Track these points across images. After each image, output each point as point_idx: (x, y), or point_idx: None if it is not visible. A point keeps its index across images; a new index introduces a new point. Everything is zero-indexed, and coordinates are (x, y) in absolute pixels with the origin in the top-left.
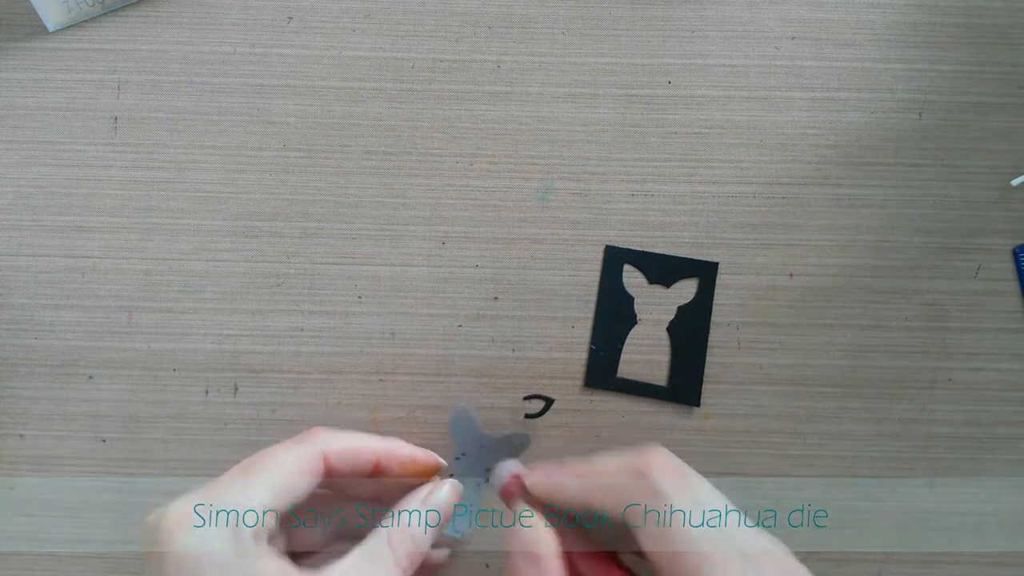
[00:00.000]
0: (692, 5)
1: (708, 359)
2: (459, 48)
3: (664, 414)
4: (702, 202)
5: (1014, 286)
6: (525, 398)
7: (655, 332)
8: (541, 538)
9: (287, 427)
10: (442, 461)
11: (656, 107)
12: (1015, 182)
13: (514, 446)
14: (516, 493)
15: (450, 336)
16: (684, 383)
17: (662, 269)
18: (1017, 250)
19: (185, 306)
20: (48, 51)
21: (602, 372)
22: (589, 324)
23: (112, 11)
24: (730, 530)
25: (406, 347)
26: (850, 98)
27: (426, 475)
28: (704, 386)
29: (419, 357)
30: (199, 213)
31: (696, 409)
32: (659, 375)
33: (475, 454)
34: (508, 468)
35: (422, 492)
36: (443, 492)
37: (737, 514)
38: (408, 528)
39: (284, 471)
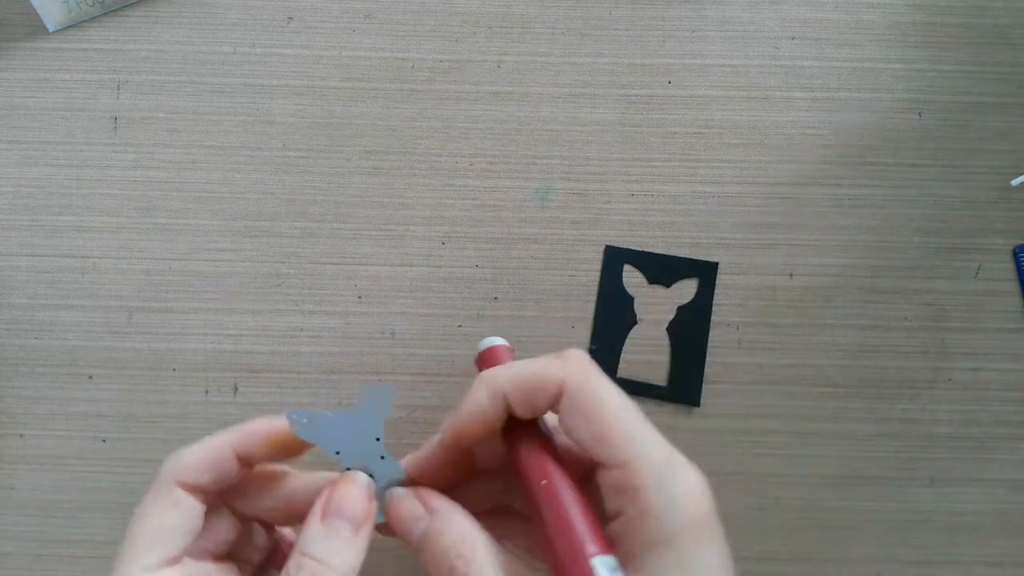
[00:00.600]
0: (692, 5)
1: (708, 359)
2: (459, 48)
3: (664, 414)
4: (702, 202)
5: (1014, 286)
6: None
7: (655, 332)
8: (416, 489)
9: None
10: (370, 482)
11: (656, 107)
12: (1015, 182)
13: (374, 405)
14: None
15: (450, 336)
16: (684, 383)
17: (662, 269)
18: (1017, 250)
19: (185, 306)
20: (48, 51)
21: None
22: (589, 324)
23: (112, 11)
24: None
25: (406, 347)
26: (850, 98)
27: (295, 442)
28: (704, 386)
29: (419, 357)
30: (199, 213)
31: (696, 409)
32: (659, 375)
33: (348, 440)
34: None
35: (319, 502)
36: (340, 493)
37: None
38: (308, 551)
39: (153, 526)
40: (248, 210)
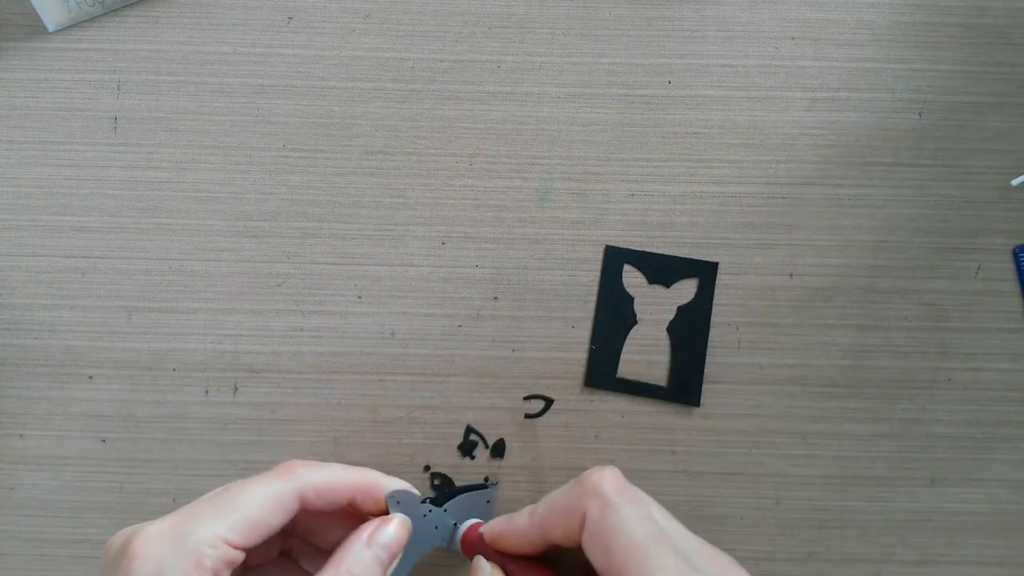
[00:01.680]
0: (692, 5)
1: (708, 359)
2: (459, 48)
3: (664, 414)
4: (702, 202)
5: (1014, 286)
6: (525, 398)
7: (655, 332)
8: (490, 569)
9: (287, 427)
10: (416, 492)
11: (656, 107)
12: (1015, 182)
13: (477, 500)
14: (475, 545)
15: (450, 336)
16: (684, 383)
17: (662, 269)
18: (1017, 250)
19: (185, 306)
20: (48, 51)
21: (602, 372)
22: (589, 324)
23: (112, 11)
24: (671, 532)
25: (406, 347)
26: (850, 98)
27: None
28: (704, 386)
29: (419, 357)
30: (199, 213)
31: (696, 409)
32: (659, 375)
33: (422, 524)
34: (468, 523)
35: (367, 530)
36: (390, 529)
37: (684, 529)
38: (353, 572)
39: (258, 507)
40: (248, 210)
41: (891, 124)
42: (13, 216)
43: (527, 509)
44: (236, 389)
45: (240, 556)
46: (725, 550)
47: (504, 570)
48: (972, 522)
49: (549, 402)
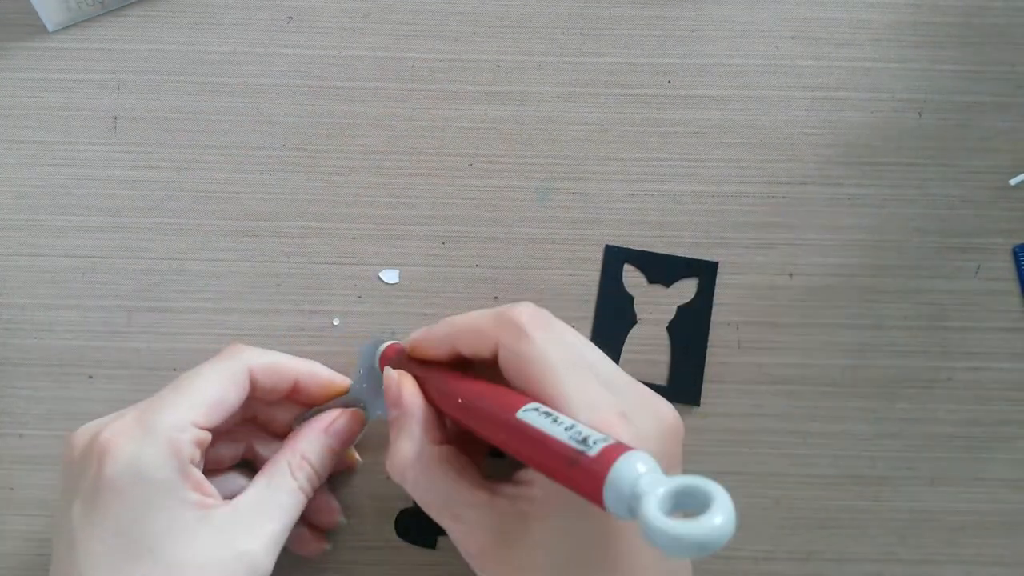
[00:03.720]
0: (692, 4)
1: (708, 359)
2: (459, 48)
3: None
4: (702, 202)
5: (1014, 286)
6: None
7: (655, 332)
8: (396, 381)
9: None
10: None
11: (656, 107)
12: (1013, 181)
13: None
14: (390, 359)
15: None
16: (684, 383)
17: (662, 269)
18: (1017, 250)
19: (185, 306)
20: (48, 51)
21: None
22: (589, 324)
23: (112, 11)
24: (589, 357)
25: None
26: (850, 98)
27: (334, 398)
28: (704, 386)
29: None
30: (199, 213)
31: (696, 409)
32: (659, 375)
33: (372, 379)
34: (387, 343)
35: (325, 419)
36: (348, 422)
37: (606, 357)
38: (308, 456)
39: (215, 387)
40: (248, 210)
41: (891, 124)
42: (13, 216)
43: (446, 320)
44: None
45: (207, 437)
46: (725, 550)
47: (418, 378)
48: (973, 522)
49: None
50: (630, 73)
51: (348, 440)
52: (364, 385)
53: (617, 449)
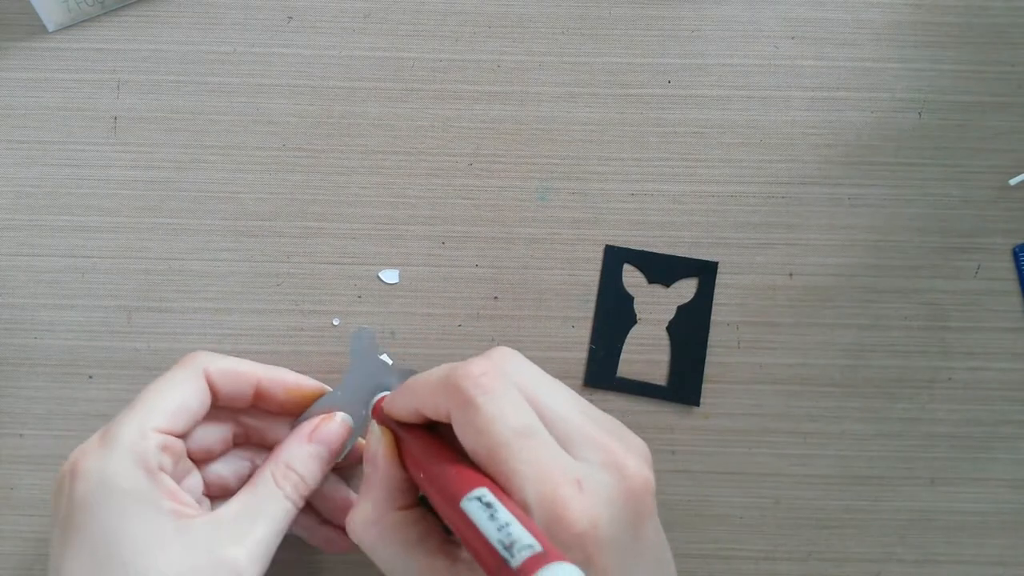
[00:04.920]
0: (692, 4)
1: (708, 359)
2: (458, 47)
3: (664, 414)
4: (702, 202)
5: (1014, 286)
6: None
7: (655, 332)
8: (376, 439)
9: None
10: (327, 388)
11: (656, 107)
12: (1014, 181)
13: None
14: (378, 414)
15: (450, 336)
16: (684, 383)
17: (662, 269)
18: (1017, 250)
19: (185, 306)
20: (48, 51)
21: (602, 371)
22: (589, 324)
23: (112, 11)
24: (558, 417)
25: (406, 347)
26: (850, 98)
27: (309, 403)
28: (704, 386)
29: (419, 357)
30: (199, 213)
31: (696, 409)
32: (659, 375)
33: (366, 380)
34: (380, 395)
35: (309, 426)
36: (332, 426)
37: (575, 405)
38: (293, 464)
39: (170, 393)
40: (248, 210)
41: (891, 124)
42: (13, 216)
43: (406, 385)
44: None
45: (177, 443)
46: (725, 550)
47: (397, 437)
48: (972, 521)
49: None
50: (630, 73)
51: (336, 446)
52: (341, 392)
53: (539, 561)
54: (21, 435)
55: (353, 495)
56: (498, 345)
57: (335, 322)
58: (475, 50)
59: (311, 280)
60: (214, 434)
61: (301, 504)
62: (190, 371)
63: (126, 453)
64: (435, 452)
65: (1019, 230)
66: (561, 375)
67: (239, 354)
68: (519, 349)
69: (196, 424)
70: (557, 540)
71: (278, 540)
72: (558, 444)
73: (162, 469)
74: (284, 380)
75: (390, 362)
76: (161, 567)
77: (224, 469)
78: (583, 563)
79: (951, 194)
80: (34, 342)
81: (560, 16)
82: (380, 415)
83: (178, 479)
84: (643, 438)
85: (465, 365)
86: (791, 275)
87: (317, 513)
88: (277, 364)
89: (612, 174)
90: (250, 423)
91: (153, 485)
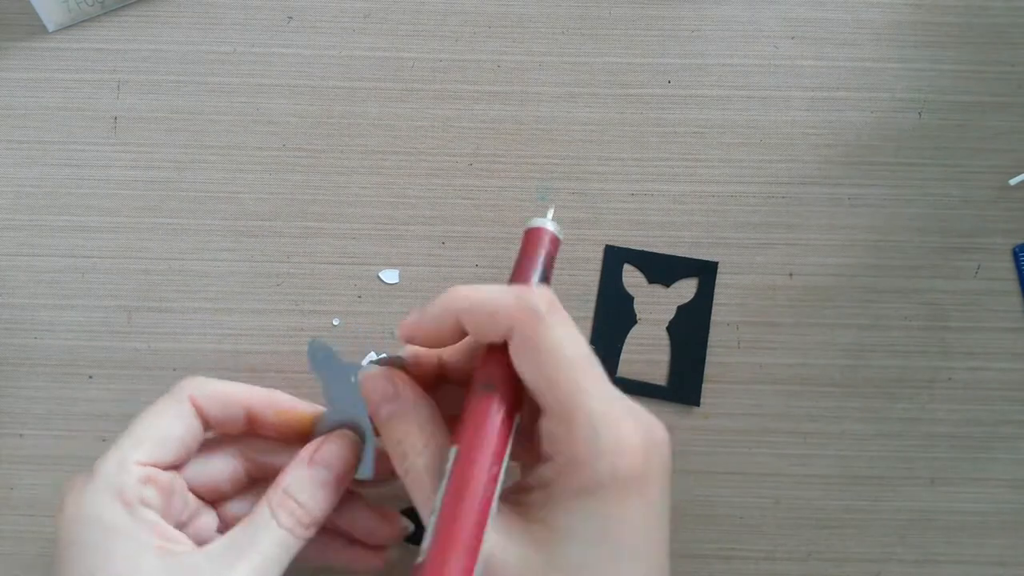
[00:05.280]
0: (692, 4)
1: (708, 359)
2: (458, 47)
3: (664, 413)
4: (702, 202)
5: (1014, 286)
6: None
7: (655, 331)
8: (387, 374)
9: None
10: (321, 409)
11: (656, 107)
12: (1014, 181)
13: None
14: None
15: None
16: (684, 383)
17: (662, 269)
18: (1017, 250)
19: (185, 306)
20: (48, 51)
21: None
22: (589, 323)
23: (112, 11)
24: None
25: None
26: (850, 98)
27: (304, 428)
28: (704, 386)
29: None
30: (199, 213)
31: (696, 409)
32: (659, 374)
33: (349, 388)
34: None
35: (308, 449)
36: (331, 446)
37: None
38: (291, 492)
39: (155, 422)
40: (248, 210)
41: (891, 124)
42: (13, 216)
43: (452, 292)
44: None
45: (162, 475)
46: (725, 550)
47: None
48: (972, 521)
49: None
50: (630, 73)
51: (342, 467)
52: (332, 410)
53: None
54: (21, 435)
55: (374, 516)
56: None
57: (335, 322)
58: (475, 50)
59: (311, 280)
60: (219, 468)
61: (305, 533)
62: (174, 399)
63: (104, 487)
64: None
65: (1019, 230)
66: None
67: (239, 354)
68: None
69: (188, 454)
70: (618, 454)
71: (276, 571)
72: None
73: (144, 503)
74: (275, 402)
75: (365, 362)
76: None
77: (243, 508)
78: (639, 479)
79: (951, 194)
80: (34, 342)
81: (560, 16)
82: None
83: (180, 516)
84: None
85: (532, 289)
86: (791, 275)
87: (344, 534)
88: (277, 364)
89: (612, 174)
90: (261, 458)
91: (133, 519)
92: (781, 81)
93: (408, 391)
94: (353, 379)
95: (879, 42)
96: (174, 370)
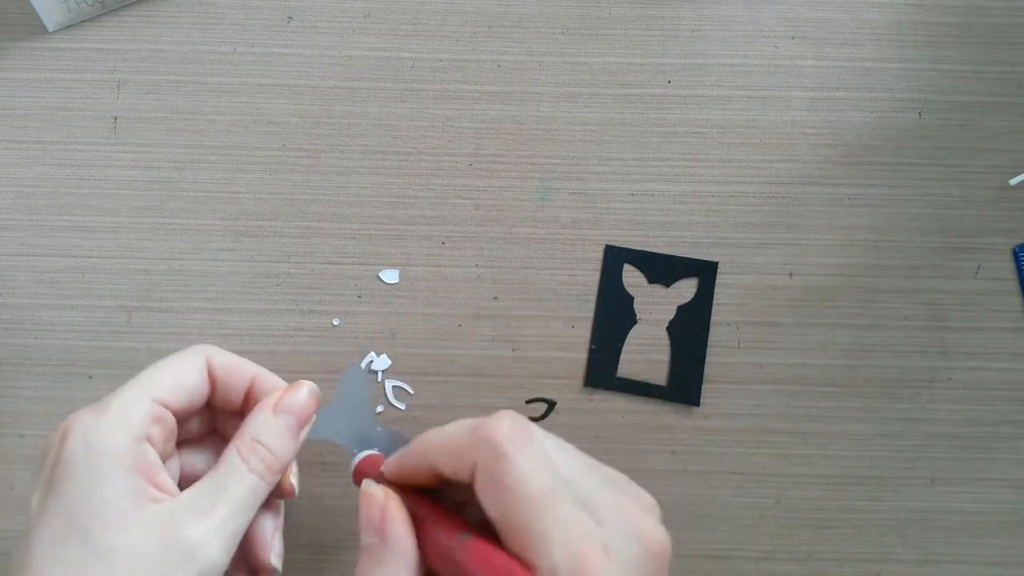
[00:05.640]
0: (692, 4)
1: (708, 359)
2: (458, 47)
3: (664, 414)
4: (702, 202)
5: (1014, 286)
6: (527, 401)
7: (655, 332)
8: (380, 501)
9: None
10: (316, 391)
11: (656, 106)
12: (1014, 181)
13: (392, 441)
14: (367, 473)
15: (450, 336)
16: (684, 383)
17: (662, 269)
18: (1017, 250)
19: (185, 306)
20: (48, 51)
21: (602, 372)
22: (589, 324)
23: (112, 11)
24: (572, 475)
25: (406, 347)
26: (850, 98)
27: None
28: (704, 386)
29: (419, 357)
30: (199, 213)
31: (696, 409)
32: (659, 375)
33: (352, 412)
34: (365, 453)
35: (272, 399)
36: (298, 395)
37: (586, 466)
38: (260, 438)
39: (172, 370)
40: (248, 210)
41: (891, 124)
42: (13, 216)
43: (420, 439)
44: None
45: (168, 416)
46: (725, 550)
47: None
48: (972, 521)
49: (551, 405)
50: (630, 73)
51: (304, 414)
52: (324, 416)
53: None
54: (21, 435)
55: (267, 535)
56: (502, 409)
57: (335, 322)
58: (475, 50)
59: (311, 280)
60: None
61: (272, 478)
62: (192, 353)
63: (116, 415)
64: (457, 521)
65: (1019, 230)
66: (561, 375)
67: (239, 354)
68: (519, 349)
69: (192, 408)
70: None
71: (247, 517)
72: (583, 507)
73: (149, 440)
74: (277, 381)
75: (364, 362)
76: (119, 542)
77: (199, 461)
78: None
79: (951, 194)
80: (34, 342)
81: (560, 16)
82: (372, 473)
83: (164, 459)
84: (643, 438)
85: (494, 419)
86: (791, 275)
87: (244, 560)
88: (277, 364)
89: (612, 174)
90: (225, 420)
91: (134, 452)
92: (781, 81)
93: (392, 528)
94: (360, 375)
95: (879, 42)
96: None
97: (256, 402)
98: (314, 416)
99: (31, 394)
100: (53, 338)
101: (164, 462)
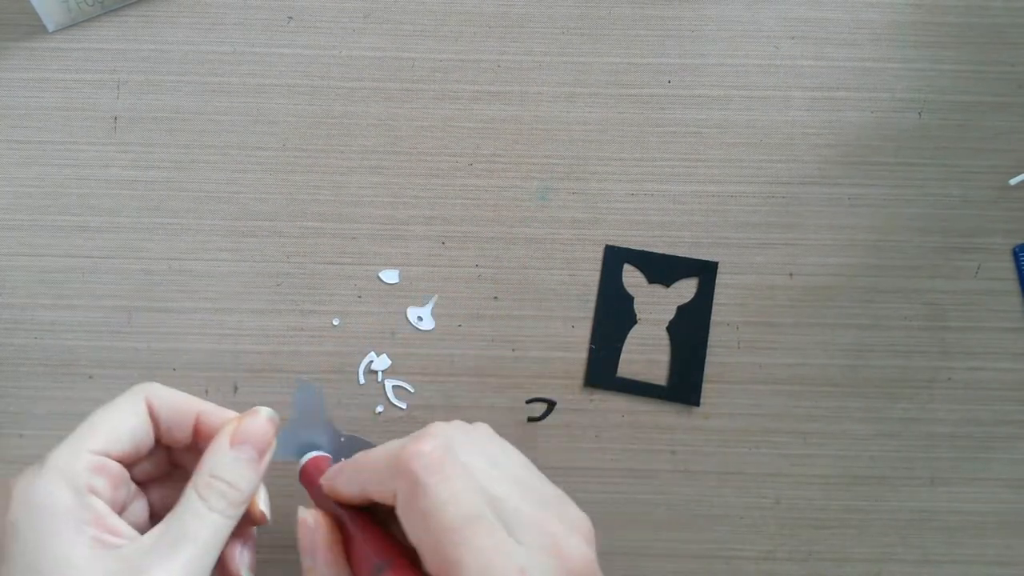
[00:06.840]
0: (692, 5)
1: (708, 359)
2: (458, 47)
3: (664, 413)
4: (702, 202)
5: (1014, 286)
6: (527, 401)
7: (655, 331)
8: (312, 528)
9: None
10: (274, 415)
11: (655, 106)
12: (1014, 181)
13: (358, 449)
14: (311, 478)
15: (450, 336)
16: (684, 383)
17: (662, 269)
18: (1017, 250)
19: (185, 306)
20: (48, 51)
21: (602, 371)
22: (589, 324)
23: (112, 11)
24: (499, 493)
25: (406, 347)
26: (850, 98)
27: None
28: (704, 386)
29: (419, 357)
30: (199, 213)
31: (696, 409)
32: (659, 374)
33: (308, 429)
34: (312, 454)
35: (225, 431)
36: (254, 423)
37: (517, 483)
38: (217, 473)
39: (109, 415)
40: (248, 210)
41: (891, 124)
42: (13, 216)
43: (352, 460)
44: (236, 388)
45: (112, 464)
46: (725, 550)
47: (336, 517)
48: (972, 521)
49: (551, 405)
50: (630, 73)
51: (262, 444)
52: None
53: None
54: (21, 435)
55: (241, 551)
56: (436, 421)
57: (335, 322)
58: (475, 50)
59: (311, 280)
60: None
61: (235, 512)
62: (129, 396)
63: (54, 473)
64: (381, 545)
65: (1019, 230)
66: (561, 375)
67: (239, 354)
68: (519, 349)
69: (138, 452)
70: None
71: (212, 555)
72: (503, 528)
73: (93, 491)
74: (225, 415)
75: (364, 362)
76: None
77: (171, 496)
78: None
79: (951, 194)
80: (34, 342)
81: (560, 16)
82: (315, 487)
83: (123, 504)
84: (643, 438)
85: (415, 442)
86: (791, 275)
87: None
88: (277, 364)
89: (612, 174)
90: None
91: (79, 506)
92: (781, 81)
93: (321, 555)
94: (312, 388)
95: (879, 42)
96: (174, 370)
97: (207, 436)
98: (274, 442)
99: (31, 394)
100: (53, 338)
101: (126, 506)
